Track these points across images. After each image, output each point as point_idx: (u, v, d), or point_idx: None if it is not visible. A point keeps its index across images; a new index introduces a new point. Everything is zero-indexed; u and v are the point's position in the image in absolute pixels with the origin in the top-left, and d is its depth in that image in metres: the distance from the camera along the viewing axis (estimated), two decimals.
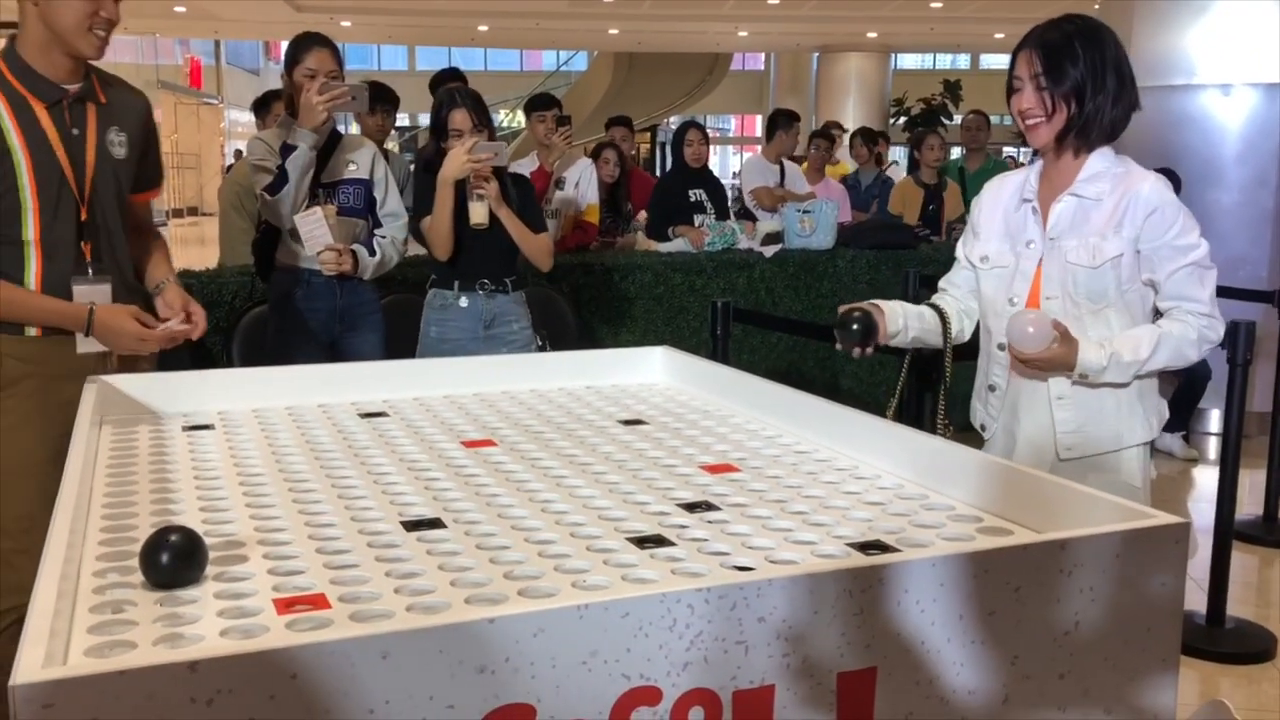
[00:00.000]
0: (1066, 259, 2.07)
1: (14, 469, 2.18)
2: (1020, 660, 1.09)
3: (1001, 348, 2.15)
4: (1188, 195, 5.44)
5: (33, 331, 2.23)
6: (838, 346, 2.18)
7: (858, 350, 2.13)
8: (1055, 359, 1.99)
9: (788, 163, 6.80)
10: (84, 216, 2.26)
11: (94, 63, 2.30)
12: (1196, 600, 3.50)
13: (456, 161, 3.14)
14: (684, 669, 0.96)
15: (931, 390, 2.34)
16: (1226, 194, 5.84)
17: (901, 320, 2.18)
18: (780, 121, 6.63)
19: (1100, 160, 2.09)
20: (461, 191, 3.21)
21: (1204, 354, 2.08)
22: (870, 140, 8.08)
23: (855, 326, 2.11)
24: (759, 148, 7.30)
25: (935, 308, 2.25)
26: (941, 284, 2.33)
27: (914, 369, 2.37)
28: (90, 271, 2.27)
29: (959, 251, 2.30)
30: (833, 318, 2.18)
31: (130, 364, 2.30)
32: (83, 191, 2.26)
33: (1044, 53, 2.03)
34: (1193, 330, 2.03)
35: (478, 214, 3.18)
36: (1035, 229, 2.13)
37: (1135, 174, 2.07)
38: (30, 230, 2.20)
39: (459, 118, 3.23)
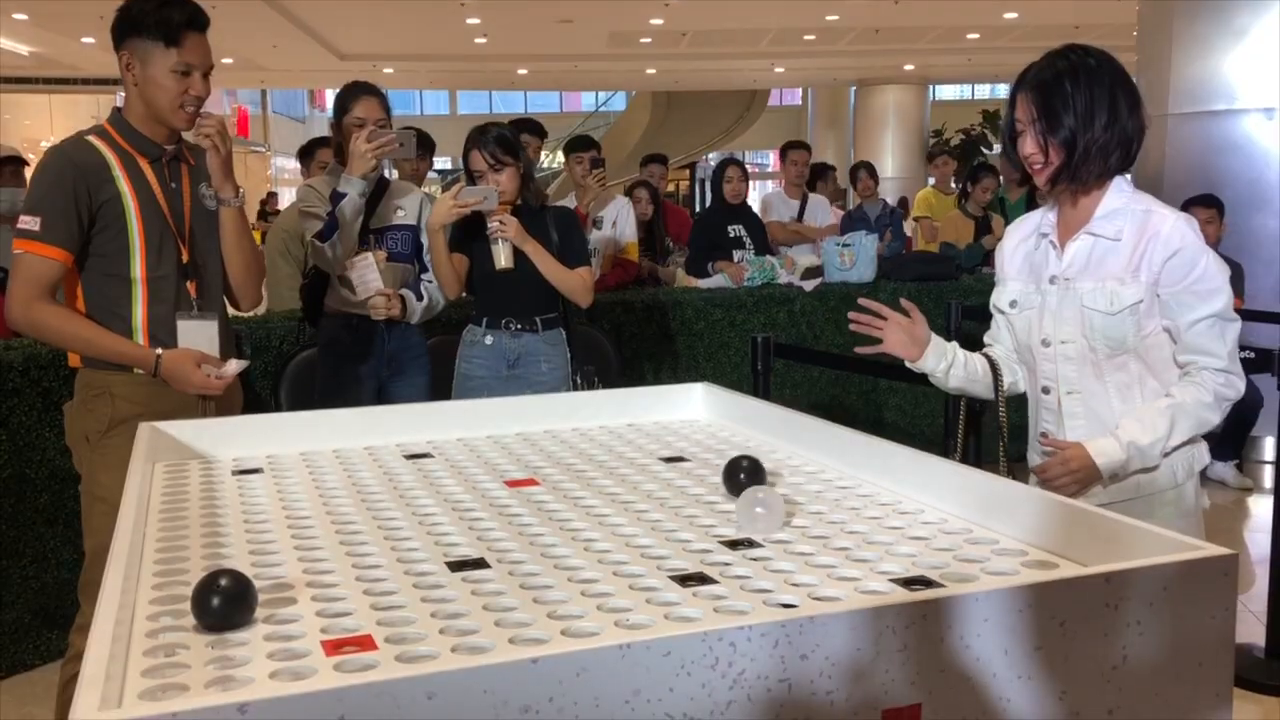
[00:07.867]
0: (1083, 302, 2.00)
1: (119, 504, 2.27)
2: (1068, 696, 1.07)
3: (1046, 391, 2.10)
4: (1234, 221, 5.41)
5: (140, 371, 2.39)
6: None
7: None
8: (1071, 469, 1.97)
9: (813, 195, 6.78)
10: (185, 258, 2.47)
11: None
12: (1255, 633, 3.42)
13: (442, 208, 3.07)
14: (727, 707, 0.96)
15: (978, 431, 2.29)
16: (1274, 218, 5.76)
17: (944, 363, 2.14)
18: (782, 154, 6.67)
19: (1117, 196, 2.01)
20: (461, 234, 3.17)
21: (1224, 414, 1.99)
22: (873, 173, 7.96)
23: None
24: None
25: (987, 358, 2.20)
26: (986, 339, 2.27)
27: (969, 415, 2.32)
28: (195, 308, 2.46)
29: (992, 304, 2.22)
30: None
31: (225, 408, 2.49)
32: (183, 235, 2.47)
33: (1039, 96, 1.97)
34: (1207, 393, 1.95)
35: (500, 257, 3.11)
36: (1056, 265, 2.06)
37: (1156, 214, 1.98)
38: (137, 268, 2.41)
39: (476, 159, 3.17)
